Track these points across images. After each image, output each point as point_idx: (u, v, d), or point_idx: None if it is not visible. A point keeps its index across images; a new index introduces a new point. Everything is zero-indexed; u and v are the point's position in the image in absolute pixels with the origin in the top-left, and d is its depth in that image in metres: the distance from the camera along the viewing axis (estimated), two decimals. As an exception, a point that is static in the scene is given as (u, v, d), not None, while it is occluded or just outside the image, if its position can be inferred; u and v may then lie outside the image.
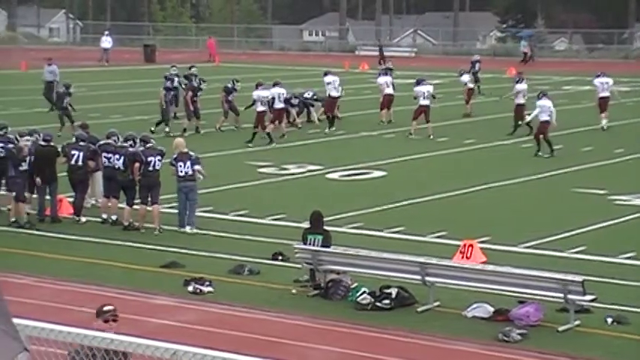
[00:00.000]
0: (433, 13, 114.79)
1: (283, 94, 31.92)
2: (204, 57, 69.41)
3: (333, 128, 33.51)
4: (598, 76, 36.41)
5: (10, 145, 20.21)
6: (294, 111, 34.86)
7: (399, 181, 25.13)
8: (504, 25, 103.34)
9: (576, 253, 17.93)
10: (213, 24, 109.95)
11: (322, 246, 15.61)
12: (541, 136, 28.86)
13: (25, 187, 20.00)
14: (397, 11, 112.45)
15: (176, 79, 35.94)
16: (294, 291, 15.65)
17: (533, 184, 24.91)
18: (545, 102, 29.27)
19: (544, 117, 29.06)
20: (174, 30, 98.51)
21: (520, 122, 32.74)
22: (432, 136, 32.15)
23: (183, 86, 34.91)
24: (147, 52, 70.96)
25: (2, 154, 20.38)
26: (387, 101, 35.18)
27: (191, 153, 19.72)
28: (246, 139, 30.69)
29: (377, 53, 70.20)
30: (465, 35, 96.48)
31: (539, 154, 28.57)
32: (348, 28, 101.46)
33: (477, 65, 48.53)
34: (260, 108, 30.85)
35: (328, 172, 26.18)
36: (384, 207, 21.85)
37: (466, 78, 38.87)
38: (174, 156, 19.59)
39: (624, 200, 22.54)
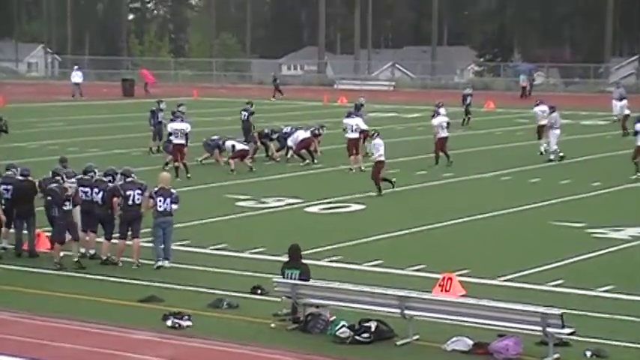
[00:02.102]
0: (411, 48, 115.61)
1: (234, 144, 32.38)
2: (183, 91, 69.51)
3: (305, 162, 33.58)
4: (537, 104, 38.30)
5: (54, 185, 19.79)
6: (272, 145, 35.09)
7: (378, 214, 25.16)
8: (481, 59, 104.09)
9: (555, 286, 17.97)
10: (191, 58, 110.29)
11: (300, 279, 15.59)
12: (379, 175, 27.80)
13: (66, 229, 19.47)
14: (375, 45, 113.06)
15: (161, 114, 36.42)
16: (273, 325, 15.61)
17: (511, 216, 24.98)
18: (378, 141, 28.03)
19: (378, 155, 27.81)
20: (153, 64, 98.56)
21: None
22: (363, 168, 31.85)
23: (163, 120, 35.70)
24: (125, 87, 70.94)
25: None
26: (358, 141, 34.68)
27: (172, 190, 19.66)
28: (228, 172, 30.99)
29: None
30: (443, 69, 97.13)
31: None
32: (326, 62, 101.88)
33: (469, 99, 48.94)
34: (176, 140, 30.57)
35: (307, 206, 26.19)
36: (363, 240, 21.86)
37: (442, 112, 39.01)
38: (155, 189, 19.51)
39: (602, 233, 22.63)
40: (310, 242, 20.25)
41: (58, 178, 19.84)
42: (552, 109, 36.00)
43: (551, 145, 35.08)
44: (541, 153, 35.91)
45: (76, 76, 68.09)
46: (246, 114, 36.45)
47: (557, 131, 35.27)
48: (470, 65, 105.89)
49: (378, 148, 27.87)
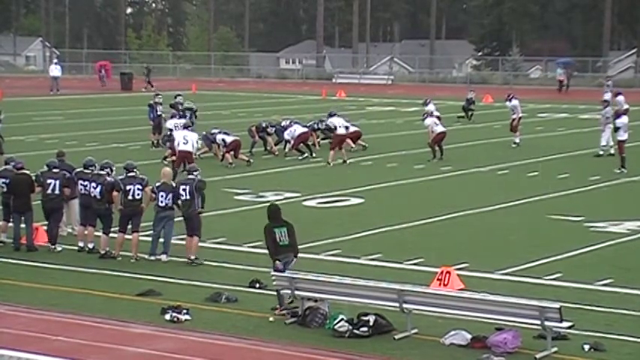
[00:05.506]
0: (409, 41, 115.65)
1: (223, 137, 32.32)
2: (181, 85, 69.44)
3: (304, 155, 33.63)
4: (510, 98, 38.70)
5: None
6: (270, 139, 35.10)
7: (377, 208, 25.16)
8: (480, 53, 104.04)
9: (553, 279, 17.98)
10: (190, 52, 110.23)
11: (289, 235, 15.88)
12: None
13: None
14: (374, 39, 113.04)
15: (160, 107, 36.42)
16: (271, 319, 15.62)
17: (509, 210, 24.99)
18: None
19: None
20: (151, 58, 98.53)
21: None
22: (347, 161, 32.60)
23: (163, 114, 35.85)
24: (124, 81, 70.87)
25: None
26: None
27: (175, 185, 19.65)
28: (227, 165, 30.97)
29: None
30: (441, 63, 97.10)
31: None
32: (325, 55, 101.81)
33: (473, 101, 48.92)
34: (184, 147, 28.72)
35: (305, 200, 26.19)
36: (362, 234, 21.86)
37: (431, 107, 38.99)
38: (158, 184, 19.50)
39: (600, 227, 22.64)
40: (309, 236, 20.25)
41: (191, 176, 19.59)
42: (606, 103, 35.75)
43: (609, 140, 34.76)
44: (515, 144, 36.80)
45: (55, 70, 66.83)
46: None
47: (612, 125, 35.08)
48: (468, 59, 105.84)
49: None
